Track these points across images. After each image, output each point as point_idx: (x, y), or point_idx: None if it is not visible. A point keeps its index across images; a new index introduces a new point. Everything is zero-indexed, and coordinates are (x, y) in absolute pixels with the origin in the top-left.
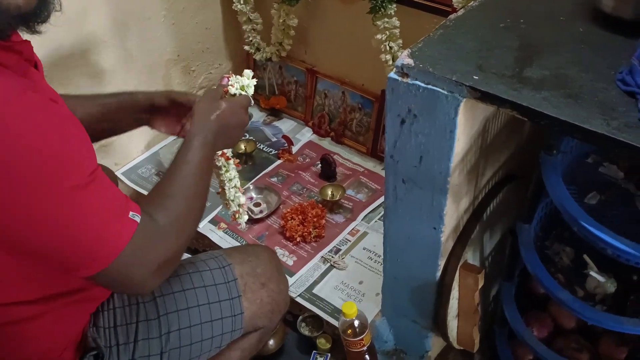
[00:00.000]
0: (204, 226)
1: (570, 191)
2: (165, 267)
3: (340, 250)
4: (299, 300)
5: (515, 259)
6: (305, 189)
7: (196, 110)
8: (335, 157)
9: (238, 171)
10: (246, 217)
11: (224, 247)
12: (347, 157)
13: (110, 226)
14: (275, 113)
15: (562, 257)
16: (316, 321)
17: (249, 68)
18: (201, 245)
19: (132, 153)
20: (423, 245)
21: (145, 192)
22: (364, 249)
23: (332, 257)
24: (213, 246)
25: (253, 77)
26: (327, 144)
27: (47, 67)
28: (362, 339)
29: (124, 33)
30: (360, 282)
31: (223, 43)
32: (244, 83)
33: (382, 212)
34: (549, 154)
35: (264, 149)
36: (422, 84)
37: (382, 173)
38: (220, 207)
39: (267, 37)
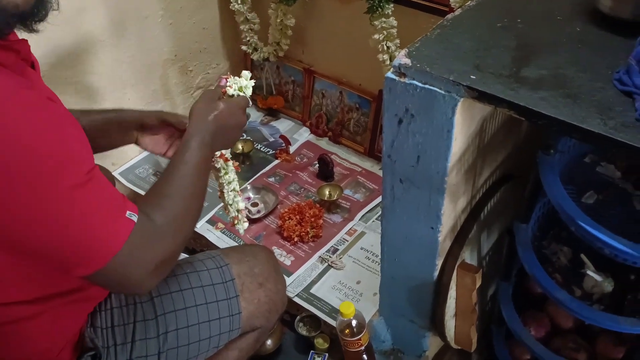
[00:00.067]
0: (202, 226)
1: (568, 191)
2: (163, 267)
3: (337, 250)
4: (297, 300)
5: (512, 259)
6: (302, 189)
7: (194, 111)
8: (332, 157)
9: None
10: (246, 225)
11: (221, 247)
12: (344, 157)
13: (108, 225)
14: (272, 113)
15: (559, 256)
16: (314, 321)
17: (246, 68)
18: (198, 245)
19: (130, 153)
20: (420, 245)
21: (142, 192)
22: (362, 248)
23: (330, 257)
24: (210, 246)
25: (251, 78)
26: (324, 143)
27: (45, 66)
28: (359, 339)
29: (121, 32)
30: (358, 282)
31: (220, 43)
32: (242, 84)
33: (380, 212)
34: (546, 153)
35: (261, 149)
36: (420, 84)
37: (380, 173)
38: (218, 207)
39: (265, 37)
